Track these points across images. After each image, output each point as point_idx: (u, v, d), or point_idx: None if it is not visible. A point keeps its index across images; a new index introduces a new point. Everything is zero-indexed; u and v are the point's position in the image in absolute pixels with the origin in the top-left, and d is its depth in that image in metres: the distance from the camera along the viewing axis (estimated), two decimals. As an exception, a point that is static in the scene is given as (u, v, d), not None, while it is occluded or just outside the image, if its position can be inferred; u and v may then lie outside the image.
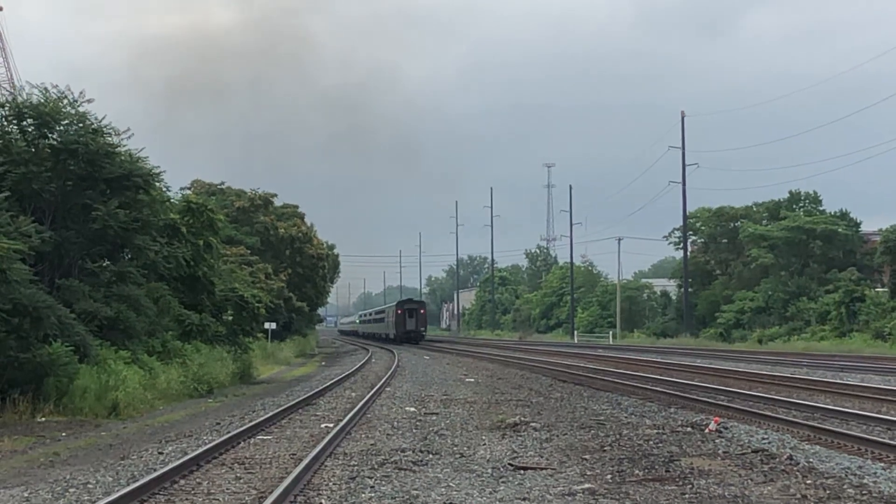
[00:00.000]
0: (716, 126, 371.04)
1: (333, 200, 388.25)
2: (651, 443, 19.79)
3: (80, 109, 35.92)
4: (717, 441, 19.85)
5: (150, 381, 33.16)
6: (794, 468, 16.18)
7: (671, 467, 16.52)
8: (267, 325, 64.85)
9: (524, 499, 13.83)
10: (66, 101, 35.66)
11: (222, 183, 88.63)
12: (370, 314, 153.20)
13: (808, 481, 14.97)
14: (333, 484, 15.10)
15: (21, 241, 27.86)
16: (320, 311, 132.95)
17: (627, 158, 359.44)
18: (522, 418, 24.11)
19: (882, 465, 16.42)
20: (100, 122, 36.26)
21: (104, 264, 37.55)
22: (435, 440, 20.74)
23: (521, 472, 16.25)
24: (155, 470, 16.02)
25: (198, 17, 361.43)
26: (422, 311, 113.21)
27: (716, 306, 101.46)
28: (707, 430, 21.42)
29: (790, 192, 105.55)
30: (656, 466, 16.65)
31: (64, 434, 23.62)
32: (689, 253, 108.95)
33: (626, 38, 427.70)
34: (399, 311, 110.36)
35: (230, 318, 49.53)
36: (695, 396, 29.60)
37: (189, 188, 76.10)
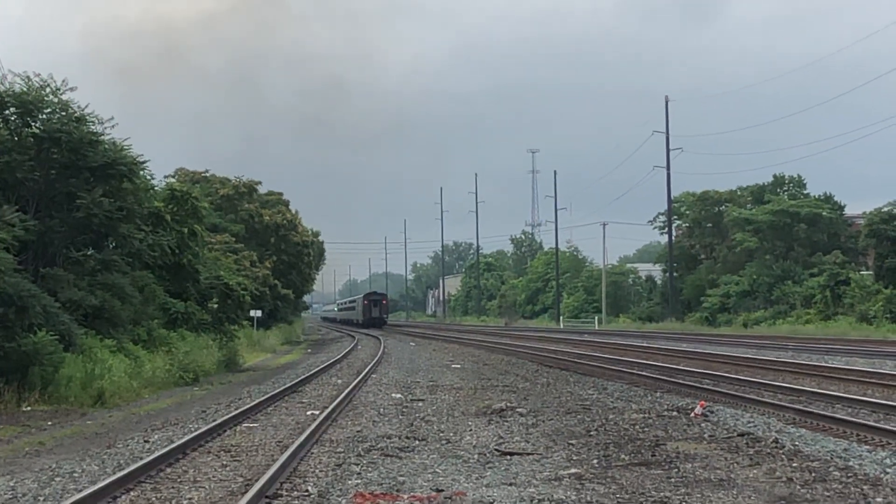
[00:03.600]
0: (700, 111, 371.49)
1: (318, 188, 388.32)
2: (637, 427, 19.83)
3: (63, 98, 35.82)
4: (702, 425, 19.90)
5: (136, 370, 33.10)
6: (780, 451, 16.23)
7: (657, 451, 16.56)
8: (252, 313, 64.79)
9: (511, 484, 13.84)
10: (48, 90, 35.53)
11: (206, 171, 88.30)
12: (345, 303, 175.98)
13: (794, 464, 15.01)
14: (320, 471, 15.10)
15: (5, 231, 27.79)
16: (306, 298, 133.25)
17: (612, 144, 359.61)
18: (509, 404, 24.13)
19: (867, 447, 16.47)
20: (83, 110, 36.16)
21: (89, 253, 37.44)
22: (421, 426, 20.75)
23: (508, 457, 16.26)
24: (141, 458, 16.01)
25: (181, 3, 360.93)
26: (384, 302, 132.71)
27: (701, 291, 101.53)
28: (693, 415, 21.46)
29: (774, 176, 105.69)
30: (642, 451, 16.68)
31: (49, 423, 23.58)
32: (673, 237, 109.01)
33: (611, 23, 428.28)
34: (366, 302, 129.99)
35: (215, 305, 49.47)
36: (680, 381, 29.66)
37: (173, 176, 75.83)
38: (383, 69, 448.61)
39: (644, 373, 33.15)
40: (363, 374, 36.19)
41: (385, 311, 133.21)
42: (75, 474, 15.25)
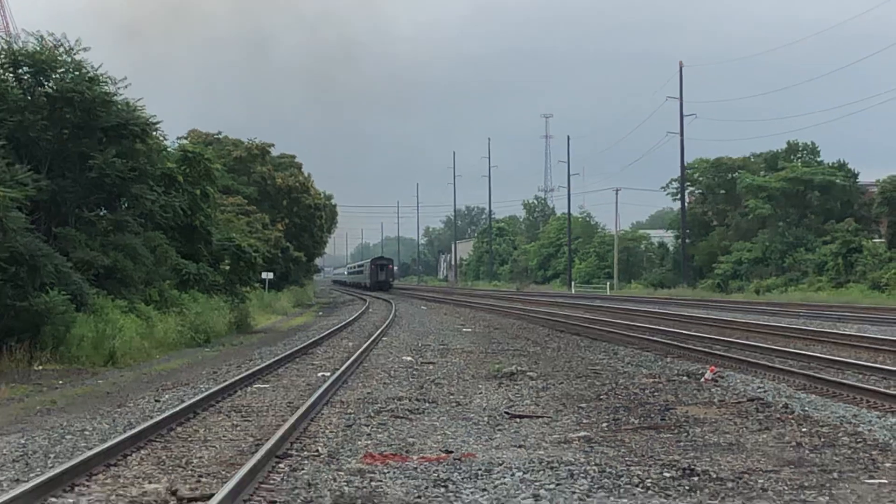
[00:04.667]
0: (715, 77, 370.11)
1: (331, 151, 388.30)
2: (647, 392, 19.83)
3: (77, 58, 35.78)
4: (712, 390, 19.89)
5: (148, 330, 33.17)
6: (790, 416, 16.22)
7: (667, 416, 16.56)
8: (264, 275, 64.82)
9: (520, 446, 13.86)
10: (62, 50, 35.50)
11: (219, 133, 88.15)
12: (354, 267, 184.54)
13: (804, 429, 15.01)
14: (330, 431, 15.14)
15: (17, 190, 27.79)
16: (318, 261, 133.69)
17: (626, 109, 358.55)
18: (519, 367, 24.15)
19: (877, 413, 16.46)
20: (96, 70, 36.13)
21: (101, 213, 37.48)
22: (431, 389, 20.79)
23: (518, 420, 16.29)
24: (152, 417, 16.06)
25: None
26: (390, 266, 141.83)
27: (713, 257, 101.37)
28: (703, 380, 21.45)
29: (788, 143, 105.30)
30: (652, 415, 16.69)
31: (61, 382, 23.66)
32: (686, 204, 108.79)
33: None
34: (373, 266, 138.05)
35: (227, 267, 49.52)
36: (691, 346, 29.63)
37: (186, 138, 75.72)
38: (397, 32, 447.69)
39: (655, 338, 33.13)
40: (374, 336, 36.24)
41: (391, 275, 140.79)
42: (86, 432, 15.30)
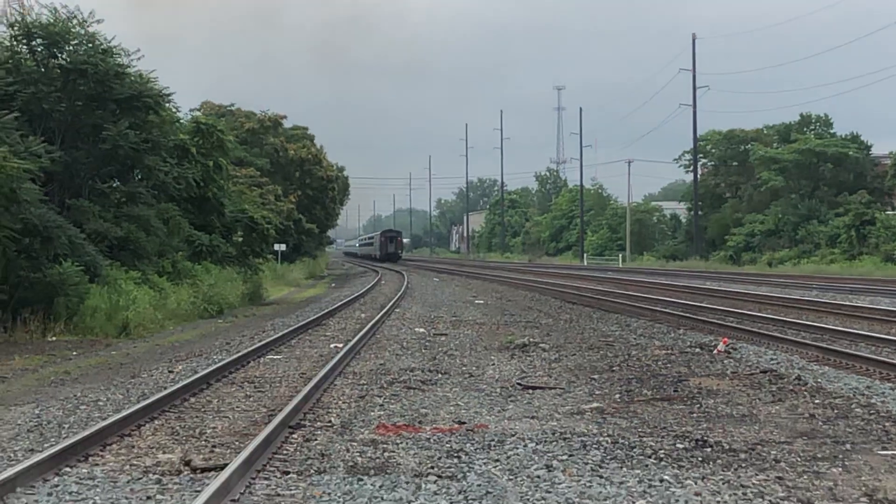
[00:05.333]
0: (728, 49, 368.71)
1: (344, 122, 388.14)
2: (659, 363, 19.84)
3: (90, 30, 35.84)
4: (725, 362, 19.89)
5: (161, 302, 33.28)
6: (803, 388, 16.22)
7: (679, 387, 16.57)
8: (277, 247, 64.95)
9: (533, 417, 13.88)
10: (75, 22, 35.55)
11: (232, 104, 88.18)
12: (364, 239, 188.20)
13: (817, 401, 15.01)
14: (343, 402, 15.18)
15: (31, 161, 27.84)
16: (330, 233, 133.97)
17: (639, 81, 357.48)
18: (531, 339, 24.15)
19: (890, 384, 16.44)
20: (109, 42, 36.19)
21: (114, 185, 37.64)
22: (444, 360, 20.81)
23: (530, 391, 16.30)
24: (165, 388, 16.11)
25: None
26: (399, 239, 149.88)
27: (726, 229, 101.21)
28: (716, 352, 21.45)
29: (801, 115, 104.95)
30: (664, 386, 16.70)
31: (75, 353, 23.74)
32: (699, 176, 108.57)
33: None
34: (382, 239, 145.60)
35: (240, 239, 49.61)
36: (704, 318, 29.64)
37: (199, 109, 75.76)
38: (410, 3, 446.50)
39: (667, 310, 33.11)
40: (386, 308, 36.29)
41: (400, 247, 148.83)
42: (100, 403, 15.36)
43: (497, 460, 11.06)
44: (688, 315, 30.80)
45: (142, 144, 35.71)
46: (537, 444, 11.92)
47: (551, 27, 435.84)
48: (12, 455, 11.51)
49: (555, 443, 12.00)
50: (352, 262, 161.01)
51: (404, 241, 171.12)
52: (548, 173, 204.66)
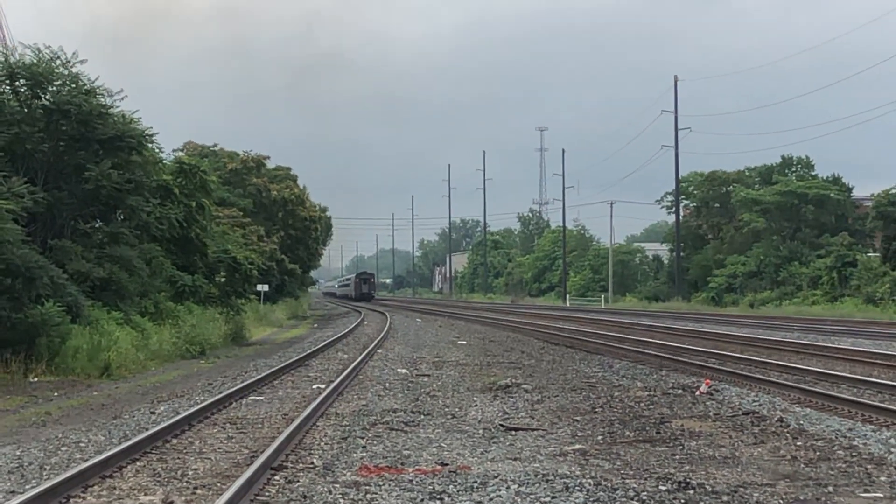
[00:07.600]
0: (710, 90, 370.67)
1: (326, 164, 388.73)
2: (642, 405, 19.85)
3: (73, 70, 35.85)
4: (707, 403, 19.91)
5: (143, 342, 33.17)
6: (785, 430, 16.25)
7: (662, 429, 16.58)
8: (259, 287, 64.84)
9: (515, 459, 13.88)
10: (58, 62, 35.56)
11: (215, 145, 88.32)
12: (342, 281, 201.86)
13: (799, 443, 15.04)
14: (325, 444, 15.15)
15: (13, 202, 27.83)
16: (313, 273, 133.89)
17: (620, 123, 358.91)
18: (514, 380, 24.18)
19: (872, 427, 16.47)
20: (93, 83, 36.21)
21: (97, 225, 37.51)
22: (426, 401, 20.79)
23: (513, 432, 16.30)
24: (147, 429, 16.06)
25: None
26: (372, 280, 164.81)
27: (708, 270, 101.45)
28: (698, 393, 21.48)
29: (783, 157, 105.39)
30: (647, 428, 16.71)
31: (56, 394, 23.66)
32: (681, 217, 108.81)
33: (623, 1, 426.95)
34: (357, 280, 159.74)
35: (223, 279, 49.56)
36: (686, 359, 29.66)
37: (182, 150, 75.82)
38: (391, 44, 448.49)
39: (649, 351, 33.16)
40: (369, 349, 36.26)
41: (373, 288, 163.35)
42: (81, 444, 15.31)
43: (480, 502, 11.05)
44: (670, 356, 30.84)
45: (125, 185, 35.65)
46: (520, 485, 11.91)
47: (533, 69, 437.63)
48: (-7, 497, 11.45)
49: (538, 485, 11.99)
50: (333, 301, 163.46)
51: (386, 281, 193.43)
52: (530, 214, 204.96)
